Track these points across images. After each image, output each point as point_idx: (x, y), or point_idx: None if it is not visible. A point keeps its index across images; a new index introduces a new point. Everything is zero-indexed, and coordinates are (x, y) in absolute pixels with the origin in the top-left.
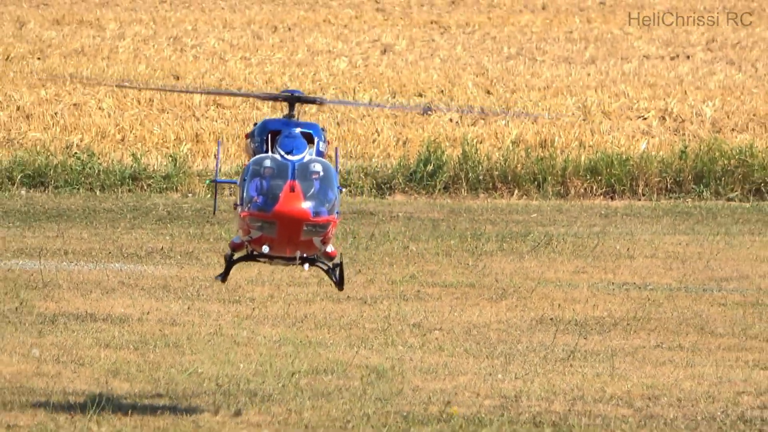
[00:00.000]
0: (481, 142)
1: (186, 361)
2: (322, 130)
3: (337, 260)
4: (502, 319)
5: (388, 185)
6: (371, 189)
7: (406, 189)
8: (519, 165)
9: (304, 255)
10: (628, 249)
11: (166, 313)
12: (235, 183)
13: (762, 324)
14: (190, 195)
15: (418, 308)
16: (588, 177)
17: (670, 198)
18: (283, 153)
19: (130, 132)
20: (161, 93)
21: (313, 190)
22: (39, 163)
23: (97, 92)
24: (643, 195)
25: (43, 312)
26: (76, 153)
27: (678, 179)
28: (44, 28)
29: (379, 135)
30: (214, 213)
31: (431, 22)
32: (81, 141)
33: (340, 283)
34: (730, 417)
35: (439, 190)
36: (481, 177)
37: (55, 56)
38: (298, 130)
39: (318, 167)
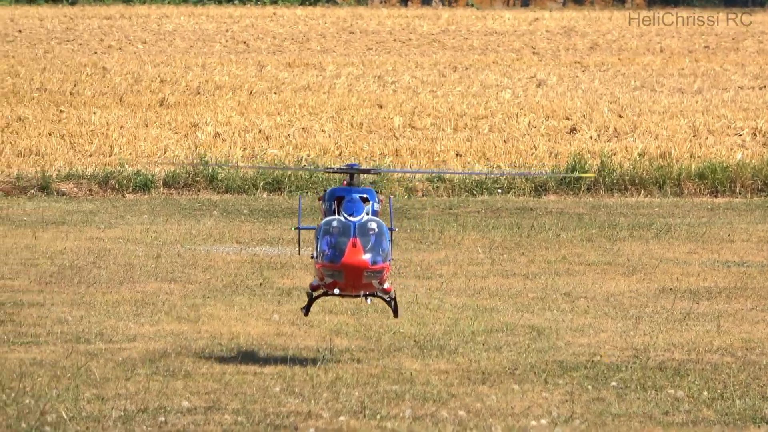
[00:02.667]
0: (615, 154)
1: (391, 323)
2: (376, 192)
3: (393, 295)
4: (632, 289)
5: (544, 188)
6: (530, 191)
7: (558, 190)
8: (644, 172)
9: (367, 293)
10: (729, 235)
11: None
12: (311, 228)
13: None
14: (392, 196)
15: (568, 281)
16: (697, 180)
17: (761, 196)
18: (346, 216)
19: (346, 149)
20: (369, 118)
21: (370, 244)
22: (277, 173)
23: (320, 119)
24: (740, 194)
25: (281, 286)
26: (304, 165)
27: (767, 181)
28: (279, 70)
29: (536, 149)
30: (299, 253)
31: (575, 62)
32: (308, 156)
33: (395, 312)
34: None
35: (583, 191)
36: (615, 181)
37: (288, 91)
38: (357, 195)
39: (373, 225)
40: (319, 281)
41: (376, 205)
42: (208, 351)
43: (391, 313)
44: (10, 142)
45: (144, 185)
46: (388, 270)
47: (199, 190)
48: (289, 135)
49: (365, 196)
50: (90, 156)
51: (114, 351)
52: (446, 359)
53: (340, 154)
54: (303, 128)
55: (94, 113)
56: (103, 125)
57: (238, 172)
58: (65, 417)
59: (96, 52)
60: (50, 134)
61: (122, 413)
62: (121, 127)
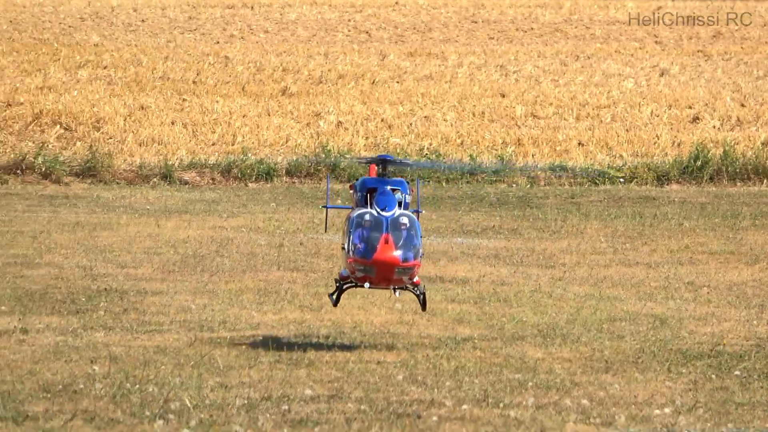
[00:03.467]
0: (737, 144)
1: (513, 312)
2: (407, 183)
3: (422, 289)
4: (756, 278)
5: (666, 177)
6: (653, 180)
7: (680, 180)
8: (767, 160)
9: (396, 287)
10: None
11: (497, 276)
12: (343, 208)
13: None
14: (514, 186)
15: (690, 270)
16: None
17: None
18: (379, 209)
19: (467, 137)
20: (491, 107)
21: (402, 239)
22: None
23: (442, 108)
24: None
25: None
26: (426, 154)
27: None
28: (401, 59)
29: (658, 139)
30: (325, 230)
31: (698, 51)
32: (430, 145)
33: (423, 306)
34: None
35: (706, 180)
36: (737, 170)
37: (410, 80)
38: (389, 187)
39: (405, 220)
40: (349, 273)
41: (407, 197)
42: (331, 339)
43: (418, 305)
44: (133, 131)
45: (267, 174)
46: (419, 267)
47: (320, 179)
48: (411, 124)
49: (397, 187)
50: (212, 145)
51: (237, 339)
52: (569, 348)
53: (461, 143)
54: (425, 117)
55: (217, 102)
56: (226, 114)
57: (362, 161)
58: (189, 405)
59: (218, 42)
60: (173, 123)
61: (245, 401)
62: (243, 116)
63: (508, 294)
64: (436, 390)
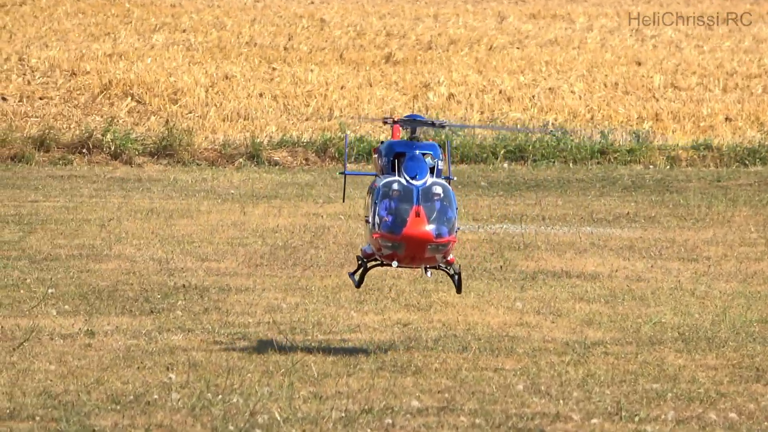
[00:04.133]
0: None
1: (651, 312)
2: (439, 147)
3: (456, 269)
4: None
5: None
6: None
7: None
8: None
9: (427, 266)
10: None
11: (632, 271)
12: (364, 175)
13: None
14: (651, 167)
15: None
16: None
17: None
18: (408, 178)
19: (598, 112)
20: (625, 77)
21: (435, 212)
22: (519, 139)
23: (569, 78)
24: None
25: (524, 270)
26: (551, 131)
27: None
28: (522, 22)
29: None
30: (343, 200)
31: None
32: (555, 120)
33: (458, 288)
34: None
35: None
36: None
37: (532, 46)
38: (419, 152)
39: (438, 189)
40: (374, 250)
41: (440, 163)
42: (441, 343)
43: (453, 289)
44: (216, 104)
45: (368, 153)
46: (454, 243)
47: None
48: (533, 96)
49: (429, 152)
50: (306, 120)
51: (334, 343)
52: (714, 354)
53: (591, 118)
54: (549, 89)
55: (311, 71)
56: (321, 85)
57: (475, 139)
58: (278, 418)
59: (313, 2)
60: (261, 95)
61: (343, 414)
62: (341, 87)
63: (644, 292)
64: (561, 402)
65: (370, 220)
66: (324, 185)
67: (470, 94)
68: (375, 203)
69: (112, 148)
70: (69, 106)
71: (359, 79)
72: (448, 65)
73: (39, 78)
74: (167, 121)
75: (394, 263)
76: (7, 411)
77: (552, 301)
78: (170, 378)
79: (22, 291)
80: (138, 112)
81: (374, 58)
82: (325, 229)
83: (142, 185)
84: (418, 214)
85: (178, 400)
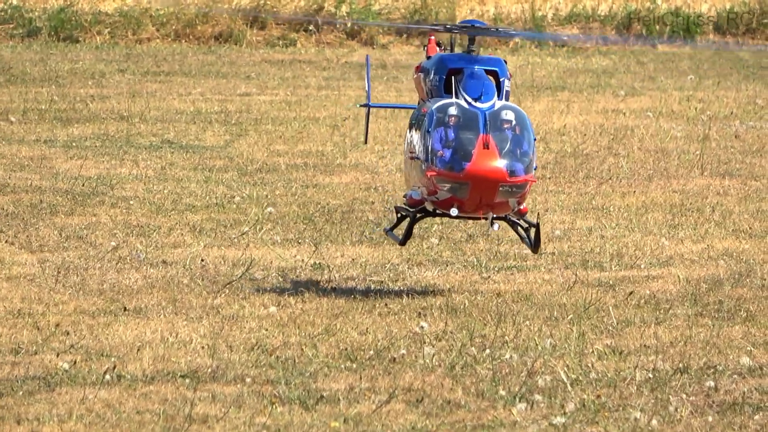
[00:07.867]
0: None
1: None
2: (506, 63)
3: (532, 221)
4: None
5: None
6: None
7: None
8: None
9: (495, 215)
10: None
11: None
12: (389, 107)
13: None
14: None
15: None
16: None
17: None
18: (469, 99)
19: None
20: None
21: (507, 144)
22: None
23: None
24: None
25: None
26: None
27: None
28: None
29: None
30: (365, 142)
31: None
32: None
33: (534, 245)
34: None
35: None
36: None
37: None
38: (481, 69)
39: (510, 115)
40: (426, 196)
41: (507, 83)
42: None
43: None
44: None
45: (685, 30)
46: (533, 184)
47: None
48: None
49: (494, 69)
50: None
51: (638, 280)
52: None
53: None
54: None
55: None
56: None
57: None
58: (565, 380)
59: None
60: None
61: (650, 375)
62: None
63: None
64: None
65: (420, 156)
66: (627, 72)
67: None
68: (426, 133)
69: (348, 25)
70: None
71: None
72: None
73: None
74: None
75: (453, 211)
76: (209, 370)
77: None
78: (422, 327)
79: (229, 212)
80: None
81: None
82: (627, 130)
83: (387, 73)
84: (486, 146)
85: (433, 356)
